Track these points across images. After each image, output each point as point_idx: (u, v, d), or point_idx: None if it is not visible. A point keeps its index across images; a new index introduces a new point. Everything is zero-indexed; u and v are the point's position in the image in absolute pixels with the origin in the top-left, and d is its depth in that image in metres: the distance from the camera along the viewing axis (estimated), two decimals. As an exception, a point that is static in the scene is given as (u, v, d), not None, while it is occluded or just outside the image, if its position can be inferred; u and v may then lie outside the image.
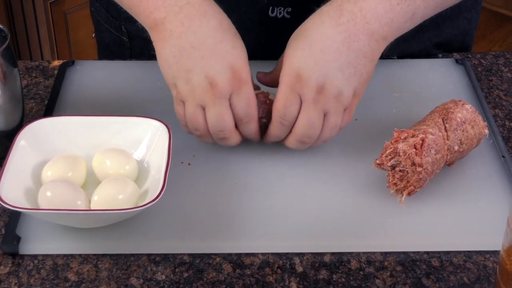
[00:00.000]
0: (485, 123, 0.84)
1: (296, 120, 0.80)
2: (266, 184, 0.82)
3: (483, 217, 0.78)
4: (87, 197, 0.77)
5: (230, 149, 0.85)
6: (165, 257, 0.75)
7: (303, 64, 0.78)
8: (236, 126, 0.81)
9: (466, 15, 1.06)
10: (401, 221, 0.78)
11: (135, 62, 1.02)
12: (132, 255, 0.75)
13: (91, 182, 0.80)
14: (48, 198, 0.74)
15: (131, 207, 0.75)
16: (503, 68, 1.03)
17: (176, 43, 0.78)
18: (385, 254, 0.75)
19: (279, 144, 0.85)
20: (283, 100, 0.79)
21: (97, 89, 0.96)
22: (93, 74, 0.99)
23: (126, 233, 0.76)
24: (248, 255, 0.75)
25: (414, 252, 0.76)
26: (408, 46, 1.02)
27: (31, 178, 0.78)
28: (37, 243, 0.75)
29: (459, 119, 0.81)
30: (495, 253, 0.76)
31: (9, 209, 0.74)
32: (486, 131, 0.84)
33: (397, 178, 0.78)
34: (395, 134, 0.78)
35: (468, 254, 0.76)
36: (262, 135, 0.84)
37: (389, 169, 0.78)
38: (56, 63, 1.02)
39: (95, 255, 0.75)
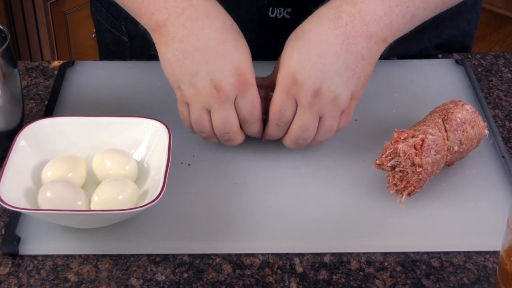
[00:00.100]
0: (485, 123, 0.84)
1: (291, 122, 0.80)
2: (266, 185, 0.82)
3: (483, 218, 0.78)
4: (87, 198, 0.77)
5: (230, 150, 0.85)
6: (165, 257, 0.75)
7: (300, 68, 0.77)
8: (240, 126, 0.82)
9: (466, 16, 1.06)
10: (401, 221, 0.78)
11: (135, 62, 1.02)
12: (132, 255, 0.75)
13: (91, 182, 0.80)
14: (48, 199, 0.74)
15: (131, 207, 0.75)
16: (503, 68, 1.03)
17: (179, 47, 0.78)
18: (385, 254, 0.75)
19: (279, 144, 0.85)
20: (279, 104, 0.79)
21: (97, 90, 0.96)
22: (93, 74, 0.99)
23: (126, 234, 0.76)
24: (248, 255, 0.75)
25: (414, 253, 0.76)
26: (408, 46, 1.02)
27: (31, 178, 0.78)
28: (37, 243, 0.75)
29: (459, 120, 0.81)
30: (495, 253, 0.75)
31: (9, 210, 0.74)
32: (486, 131, 0.84)
33: (397, 179, 0.78)
34: (395, 134, 0.78)
35: (468, 255, 0.76)
36: (263, 131, 0.84)
37: (389, 169, 0.78)
38: (56, 63, 1.02)
39: (95, 255, 0.75)
